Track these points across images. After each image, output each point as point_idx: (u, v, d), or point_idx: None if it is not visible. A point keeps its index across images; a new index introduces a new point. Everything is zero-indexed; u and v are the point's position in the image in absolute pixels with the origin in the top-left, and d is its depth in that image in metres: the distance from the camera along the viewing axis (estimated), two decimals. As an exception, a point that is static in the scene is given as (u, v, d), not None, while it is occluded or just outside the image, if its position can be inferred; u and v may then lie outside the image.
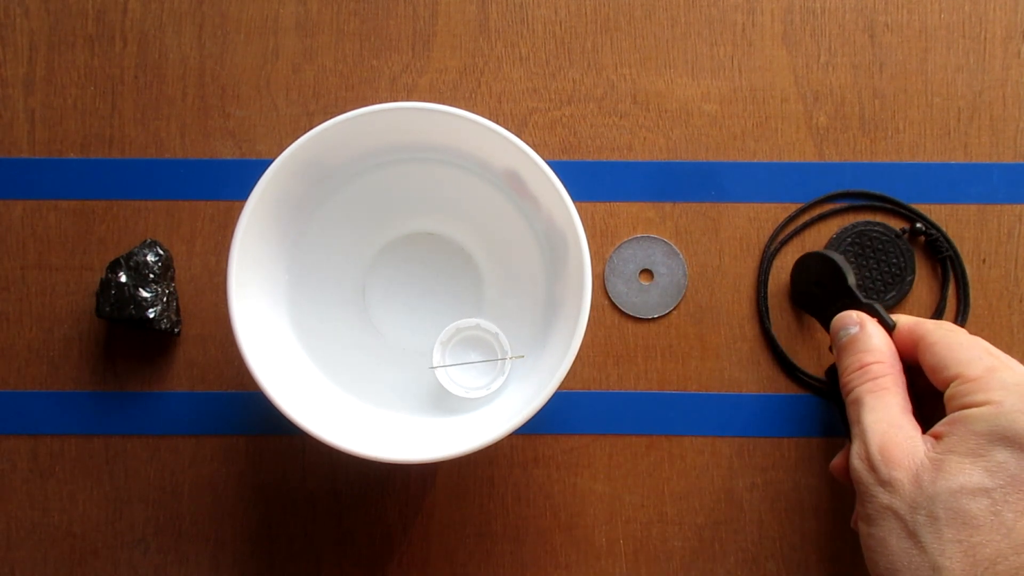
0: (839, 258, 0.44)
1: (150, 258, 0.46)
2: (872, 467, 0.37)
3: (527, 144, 0.39)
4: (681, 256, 0.48)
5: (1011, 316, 0.47)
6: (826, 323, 0.44)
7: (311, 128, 0.40)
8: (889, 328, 0.41)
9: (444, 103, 0.42)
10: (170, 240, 0.48)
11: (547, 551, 0.47)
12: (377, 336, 0.46)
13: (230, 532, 0.47)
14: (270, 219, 0.41)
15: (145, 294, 0.45)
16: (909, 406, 0.39)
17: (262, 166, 0.40)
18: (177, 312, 0.47)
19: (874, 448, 0.37)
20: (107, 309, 0.45)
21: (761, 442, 0.47)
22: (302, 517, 0.47)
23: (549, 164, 0.39)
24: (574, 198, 0.39)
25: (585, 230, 0.39)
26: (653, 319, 0.48)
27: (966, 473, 0.35)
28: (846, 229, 0.47)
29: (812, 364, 0.47)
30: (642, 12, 0.49)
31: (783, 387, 0.47)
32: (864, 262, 0.47)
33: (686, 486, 0.47)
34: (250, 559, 0.47)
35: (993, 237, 0.47)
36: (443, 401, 0.44)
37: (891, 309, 0.47)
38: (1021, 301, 0.47)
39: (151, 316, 0.45)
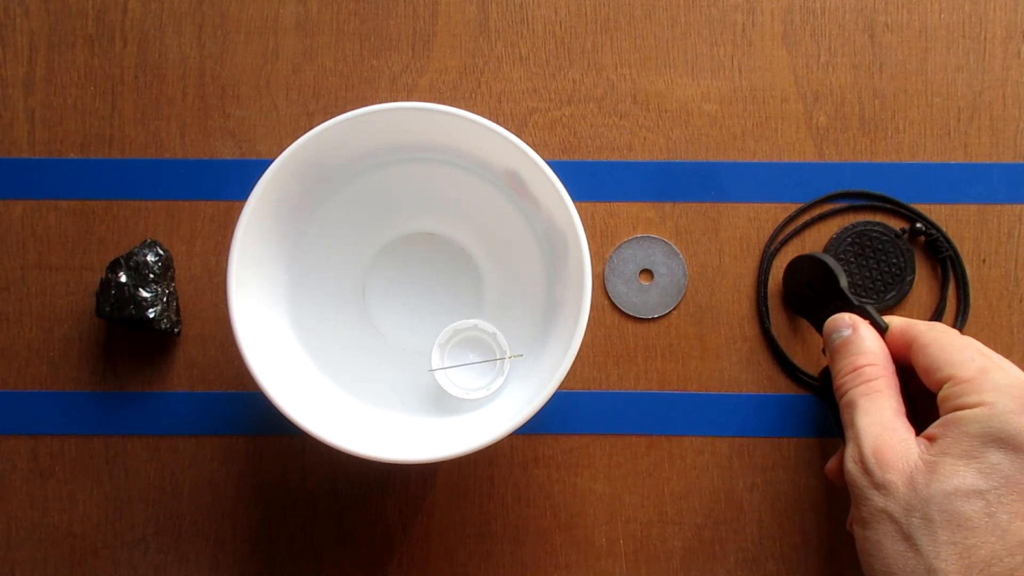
0: (831, 260, 0.44)
1: (150, 258, 0.46)
2: (866, 470, 0.37)
3: (527, 144, 0.39)
4: (681, 256, 0.48)
5: (1011, 316, 0.47)
6: (819, 326, 0.44)
7: (311, 128, 0.40)
8: (881, 330, 0.41)
9: (444, 103, 0.42)
10: (170, 240, 0.48)
11: (547, 551, 0.47)
12: (377, 336, 0.46)
13: (230, 532, 0.47)
14: (270, 219, 0.41)
15: (145, 294, 0.45)
16: (902, 408, 0.39)
17: (262, 166, 0.40)
18: (177, 312, 0.47)
19: (868, 451, 0.37)
20: (107, 309, 0.45)
21: (761, 442, 0.47)
22: (302, 517, 0.47)
23: (549, 164, 0.39)
24: (574, 198, 0.39)
25: (585, 230, 0.39)
26: (653, 319, 0.48)
27: (960, 475, 0.35)
28: (846, 229, 0.47)
29: (812, 364, 0.47)
30: (642, 12, 0.49)
31: (783, 387, 0.47)
32: (864, 262, 0.47)
33: (686, 486, 0.47)
34: (250, 559, 0.47)
35: (993, 237, 0.47)
36: (443, 401, 0.44)
37: (891, 309, 0.47)
38: (1021, 301, 0.47)
39: (151, 316, 0.45)
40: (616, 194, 0.48)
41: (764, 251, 0.48)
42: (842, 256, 0.47)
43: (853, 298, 0.43)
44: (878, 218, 0.47)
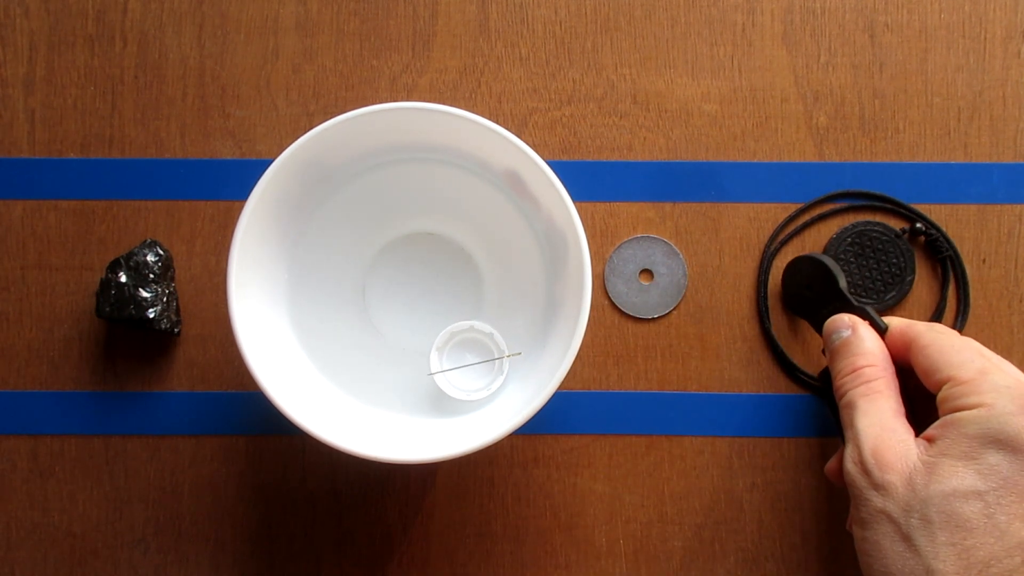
0: (830, 261, 0.44)
1: (150, 258, 0.46)
2: (865, 470, 0.37)
3: (527, 144, 0.39)
4: (681, 256, 0.48)
5: (1011, 316, 0.47)
6: (818, 326, 0.44)
7: (311, 128, 0.40)
8: (881, 331, 0.41)
9: (444, 103, 0.42)
10: (170, 240, 0.48)
11: (547, 551, 0.47)
12: (377, 336, 0.46)
13: (230, 532, 0.47)
14: (270, 219, 0.41)
15: (145, 294, 0.45)
16: (902, 409, 0.39)
17: (262, 166, 0.40)
18: (177, 312, 0.47)
19: (867, 451, 0.37)
20: (107, 309, 0.45)
21: (761, 442, 0.47)
22: (302, 517, 0.47)
23: (549, 164, 0.39)
24: (574, 198, 0.39)
25: (585, 230, 0.39)
26: (653, 319, 0.48)
27: (959, 476, 0.35)
28: (846, 229, 0.47)
29: (812, 364, 0.47)
30: (642, 12, 0.49)
31: (783, 387, 0.47)
32: (864, 262, 0.47)
33: (686, 486, 0.47)
34: (250, 559, 0.47)
35: (993, 237, 0.47)
36: (443, 401, 0.44)
37: (891, 309, 0.47)
38: (1021, 301, 0.47)
39: (151, 316, 0.45)
40: (616, 194, 0.48)
41: (764, 251, 0.48)
42: (842, 256, 0.47)
43: (853, 299, 0.43)
44: (878, 218, 0.47)
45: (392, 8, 0.49)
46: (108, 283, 0.45)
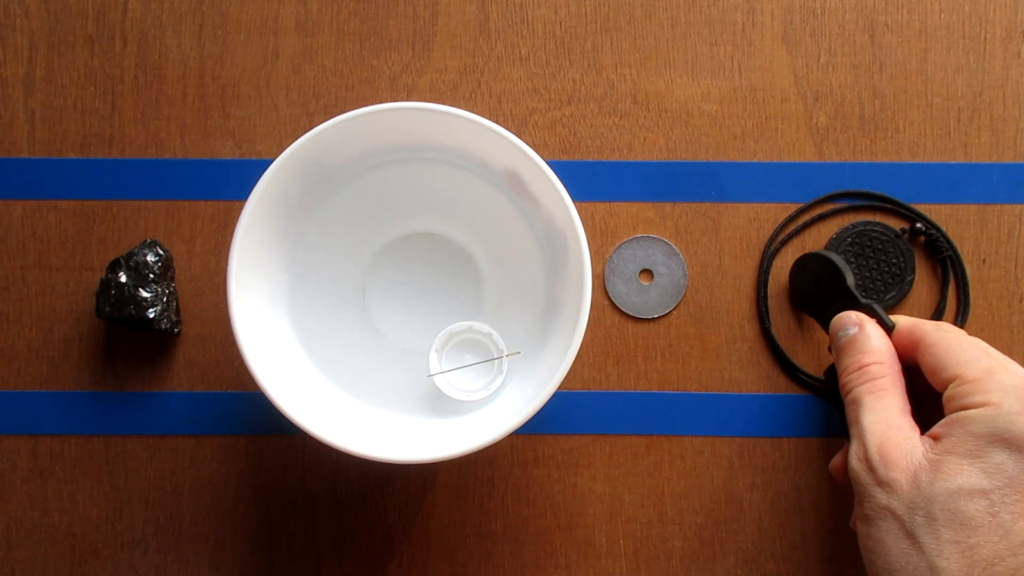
0: (838, 259, 0.44)
1: (150, 258, 0.46)
2: (870, 467, 0.37)
3: (527, 144, 0.39)
4: (681, 256, 0.48)
5: (1011, 316, 0.47)
6: (825, 324, 0.44)
7: (311, 128, 0.40)
8: (888, 329, 0.41)
9: (444, 103, 0.42)
10: (170, 240, 0.48)
11: (547, 551, 0.47)
12: (377, 336, 0.46)
13: (230, 532, 0.47)
14: (270, 219, 0.41)
15: (145, 294, 0.45)
16: (908, 407, 0.39)
17: (262, 166, 0.40)
18: (177, 312, 0.47)
19: (872, 449, 0.37)
20: (107, 309, 0.45)
21: (761, 442, 0.47)
22: (302, 517, 0.47)
23: (549, 164, 0.39)
24: (574, 198, 0.39)
25: (585, 230, 0.39)
26: (653, 319, 0.48)
27: (964, 474, 0.35)
28: (846, 229, 0.47)
29: (812, 364, 0.47)
30: (642, 12, 0.49)
31: (783, 387, 0.47)
32: (864, 262, 0.47)
33: (686, 486, 0.47)
34: (250, 559, 0.47)
35: (993, 237, 0.47)
36: (443, 401, 0.44)
37: (891, 309, 0.47)
38: (1021, 301, 0.47)
39: (151, 316, 0.45)
40: (616, 194, 0.48)
41: (764, 251, 0.48)
42: (842, 256, 0.47)
43: (860, 296, 0.43)
44: (878, 218, 0.47)
45: (392, 8, 0.49)
46: (108, 283, 0.45)
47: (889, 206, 0.47)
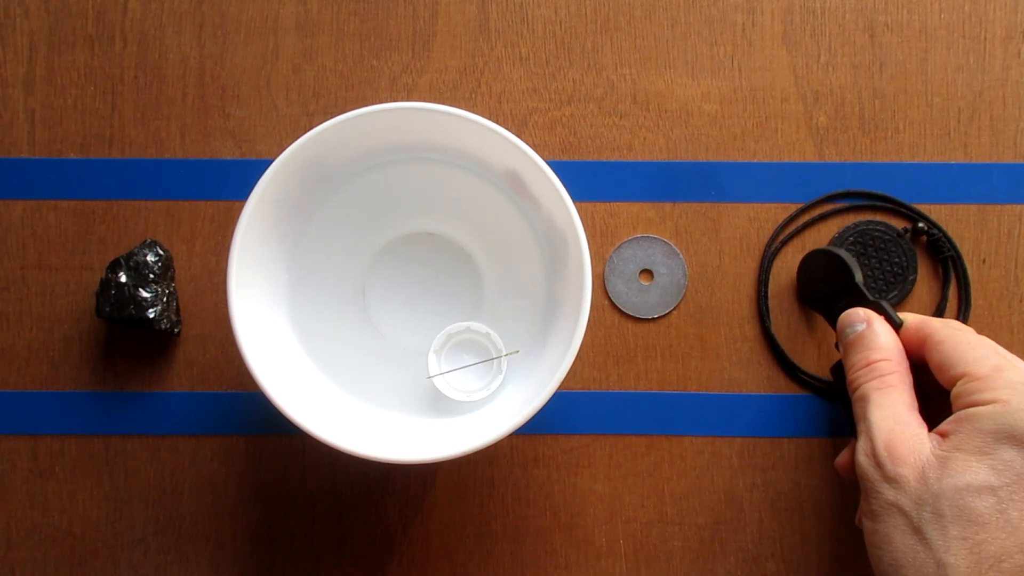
0: (846, 255, 0.44)
1: (150, 258, 0.46)
2: (878, 463, 0.37)
3: (527, 144, 0.39)
4: (681, 256, 0.48)
5: (1011, 316, 0.47)
6: (833, 320, 0.44)
7: (311, 128, 0.40)
8: (896, 326, 0.41)
9: (444, 103, 0.42)
10: (170, 240, 0.48)
11: (547, 551, 0.47)
12: (377, 336, 0.46)
13: (230, 532, 0.47)
14: (270, 219, 0.41)
15: (145, 294, 0.45)
16: (915, 404, 0.39)
17: (262, 166, 0.40)
18: (177, 312, 0.47)
19: (880, 445, 0.37)
20: (107, 309, 0.45)
21: (761, 442, 0.47)
22: (302, 517, 0.47)
23: (549, 164, 0.39)
24: (574, 198, 0.39)
25: (585, 230, 0.39)
26: (653, 319, 0.48)
27: (972, 471, 0.35)
28: (848, 228, 0.47)
29: (812, 364, 0.47)
30: (642, 12, 0.49)
31: (783, 387, 0.47)
32: (866, 261, 0.47)
33: (686, 486, 0.47)
34: (250, 559, 0.47)
35: (993, 237, 0.47)
36: (442, 401, 0.44)
37: (893, 308, 0.47)
38: (1021, 301, 0.47)
39: (151, 316, 0.45)
40: (616, 194, 0.48)
41: (764, 251, 0.48)
42: (843, 256, 0.47)
43: (868, 293, 0.42)
44: (879, 218, 0.47)
45: (392, 8, 0.49)
46: (108, 283, 0.45)
47: (890, 206, 0.47)
